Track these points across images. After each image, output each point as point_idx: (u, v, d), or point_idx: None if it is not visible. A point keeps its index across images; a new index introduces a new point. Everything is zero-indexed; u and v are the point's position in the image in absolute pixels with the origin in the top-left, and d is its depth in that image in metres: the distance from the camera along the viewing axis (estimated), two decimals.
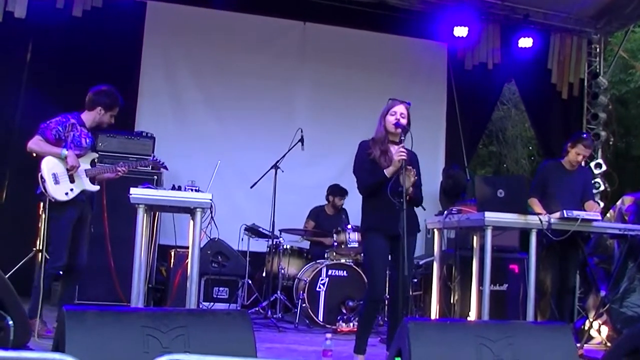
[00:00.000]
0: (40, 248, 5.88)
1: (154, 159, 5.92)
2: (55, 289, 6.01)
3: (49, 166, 5.30)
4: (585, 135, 6.42)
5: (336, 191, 8.22)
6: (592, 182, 8.86)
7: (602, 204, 8.82)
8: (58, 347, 3.18)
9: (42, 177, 5.26)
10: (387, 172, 4.64)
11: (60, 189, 5.29)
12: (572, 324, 6.92)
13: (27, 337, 3.99)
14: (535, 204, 6.00)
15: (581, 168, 6.45)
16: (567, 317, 6.25)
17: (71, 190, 5.33)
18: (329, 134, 8.88)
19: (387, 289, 6.75)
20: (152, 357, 2.75)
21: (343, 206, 8.21)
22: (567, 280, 6.26)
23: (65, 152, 5.32)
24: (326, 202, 8.31)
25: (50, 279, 5.46)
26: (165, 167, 6.05)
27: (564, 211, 5.59)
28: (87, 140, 5.53)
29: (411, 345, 3.50)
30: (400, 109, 4.76)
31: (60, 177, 5.30)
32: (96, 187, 5.56)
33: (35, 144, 5.35)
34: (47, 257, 5.40)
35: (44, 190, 5.25)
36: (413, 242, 4.80)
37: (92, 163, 5.55)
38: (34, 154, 5.37)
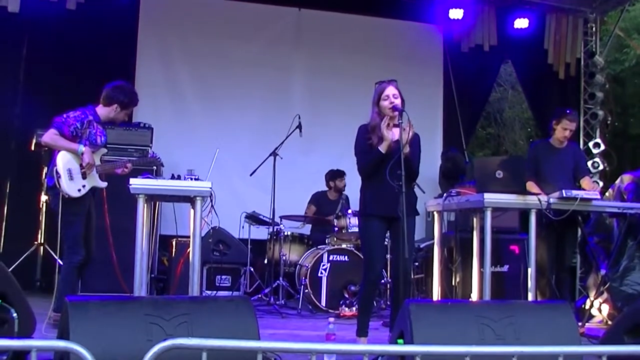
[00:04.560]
0: (41, 242, 5.93)
1: (153, 155, 5.90)
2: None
3: (64, 161, 5.22)
4: (568, 111, 6.39)
5: (334, 175, 8.26)
6: (592, 161, 8.93)
7: (601, 184, 8.84)
8: (62, 337, 3.20)
9: (57, 172, 5.17)
10: (381, 148, 4.64)
11: (73, 186, 5.23)
12: (573, 303, 6.96)
13: (31, 329, 4.02)
14: (532, 187, 5.99)
15: (570, 144, 6.45)
16: (566, 296, 6.27)
17: (83, 187, 5.29)
18: (327, 120, 8.89)
19: (388, 272, 6.82)
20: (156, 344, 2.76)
21: (344, 190, 8.23)
22: (564, 258, 6.30)
23: (82, 148, 5.24)
24: (328, 188, 8.33)
25: (74, 274, 5.41)
26: (161, 164, 6.06)
27: (563, 191, 5.61)
28: (102, 139, 5.50)
29: (413, 326, 3.53)
30: (390, 90, 4.73)
31: (74, 173, 5.24)
32: (104, 184, 5.54)
33: (51, 138, 5.25)
34: (63, 253, 5.39)
35: (57, 185, 5.18)
36: (411, 223, 4.76)
37: (101, 159, 5.53)
38: (47, 148, 5.31)
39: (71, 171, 5.22)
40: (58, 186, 5.18)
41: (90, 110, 5.45)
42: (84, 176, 5.30)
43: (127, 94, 5.55)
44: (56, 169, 5.19)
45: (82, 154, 5.24)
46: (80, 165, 5.26)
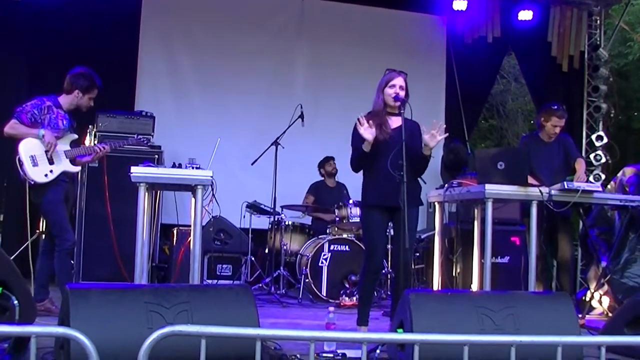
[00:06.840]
0: (42, 231, 5.93)
1: (138, 137, 5.86)
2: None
3: (27, 148, 5.26)
4: (555, 107, 6.32)
5: (322, 161, 8.33)
6: (595, 153, 8.91)
7: (603, 177, 8.83)
8: (63, 325, 3.21)
9: (19, 160, 5.23)
10: (365, 147, 4.63)
11: (38, 171, 5.26)
12: (573, 295, 6.96)
13: (32, 316, 4.03)
14: (529, 180, 5.98)
15: (558, 136, 6.42)
16: (565, 285, 6.27)
17: (50, 171, 5.30)
18: (329, 110, 8.87)
19: (389, 262, 6.83)
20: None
21: (336, 174, 8.25)
22: (560, 248, 6.28)
23: (42, 131, 5.27)
24: (322, 177, 8.35)
25: (67, 260, 5.48)
26: (147, 145, 6.09)
27: (565, 182, 5.60)
28: (64, 122, 5.48)
29: (413, 316, 3.53)
30: (399, 81, 4.75)
31: (39, 158, 5.26)
32: (77, 168, 5.55)
33: (11, 127, 5.30)
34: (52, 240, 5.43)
35: (22, 174, 5.24)
36: (414, 214, 4.78)
37: (72, 144, 5.51)
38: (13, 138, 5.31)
39: (35, 157, 5.26)
40: (22, 174, 5.24)
41: (49, 98, 5.48)
42: (50, 161, 5.31)
43: (86, 79, 5.56)
44: (18, 157, 5.24)
45: (43, 136, 5.27)
46: (46, 151, 5.29)
